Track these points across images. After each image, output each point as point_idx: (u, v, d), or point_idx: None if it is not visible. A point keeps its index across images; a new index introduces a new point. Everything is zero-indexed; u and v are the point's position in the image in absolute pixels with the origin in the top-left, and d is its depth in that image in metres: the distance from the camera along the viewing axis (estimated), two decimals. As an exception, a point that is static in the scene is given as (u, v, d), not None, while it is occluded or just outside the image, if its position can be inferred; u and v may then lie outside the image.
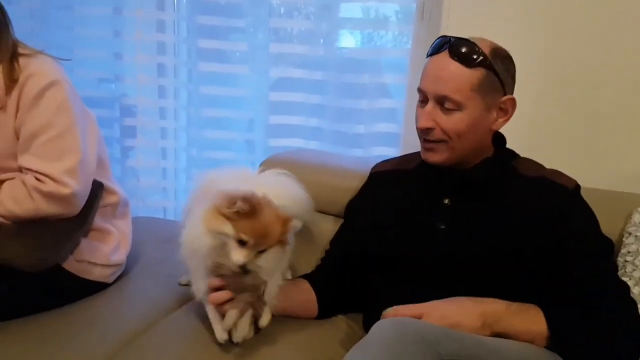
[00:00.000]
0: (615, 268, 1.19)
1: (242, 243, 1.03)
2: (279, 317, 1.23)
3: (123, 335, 1.27)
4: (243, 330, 1.12)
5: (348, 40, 2.13)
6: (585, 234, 1.13)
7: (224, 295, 1.08)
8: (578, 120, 1.65)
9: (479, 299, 1.05)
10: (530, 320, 1.04)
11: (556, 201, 1.14)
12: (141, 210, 2.28)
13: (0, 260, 1.21)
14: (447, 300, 1.06)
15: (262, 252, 1.05)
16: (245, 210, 1.01)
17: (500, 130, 1.23)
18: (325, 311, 1.32)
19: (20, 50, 1.30)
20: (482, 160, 1.21)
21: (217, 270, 1.09)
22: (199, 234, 1.06)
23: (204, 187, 1.24)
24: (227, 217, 1.02)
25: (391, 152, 1.90)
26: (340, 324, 1.33)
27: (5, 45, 1.28)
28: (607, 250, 1.16)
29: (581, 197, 1.18)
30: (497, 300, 1.05)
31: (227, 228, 1.02)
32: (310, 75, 2.02)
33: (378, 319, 0.99)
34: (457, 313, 1.02)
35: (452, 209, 1.20)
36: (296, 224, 1.12)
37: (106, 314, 1.36)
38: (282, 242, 1.08)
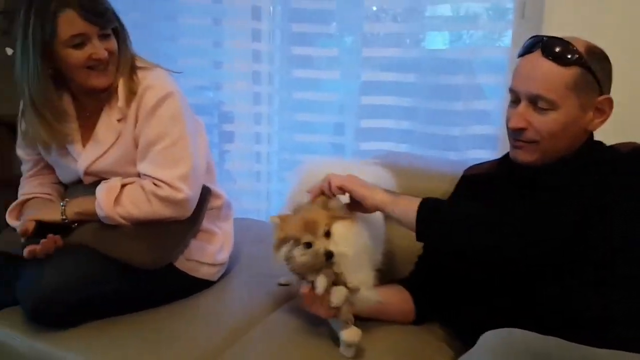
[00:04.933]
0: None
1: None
2: (374, 321, 1.26)
3: (228, 332, 1.34)
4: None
5: (437, 40, 2.10)
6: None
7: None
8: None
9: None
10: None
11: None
12: (236, 212, 2.37)
13: (120, 258, 1.32)
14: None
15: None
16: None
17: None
18: (422, 316, 1.32)
19: (138, 64, 1.40)
20: (559, 159, 1.17)
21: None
22: None
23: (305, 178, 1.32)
24: None
25: (488, 155, 1.85)
26: (437, 330, 1.32)
27: (125, 59, 1.38)
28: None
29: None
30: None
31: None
32: (402, 77, 2.01)
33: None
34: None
35: None
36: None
37: (212, 311, 1.44)
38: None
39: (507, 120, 1.18)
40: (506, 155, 1.26)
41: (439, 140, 1.98)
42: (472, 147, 1.94)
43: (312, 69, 2.17)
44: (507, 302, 1.14)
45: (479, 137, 1.94)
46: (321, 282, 1.12)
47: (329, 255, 1.10)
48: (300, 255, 1.11)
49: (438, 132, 1.98)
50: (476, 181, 1.36)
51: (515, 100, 1.17)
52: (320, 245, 1.10)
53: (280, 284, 1.50)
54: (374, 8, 2.09)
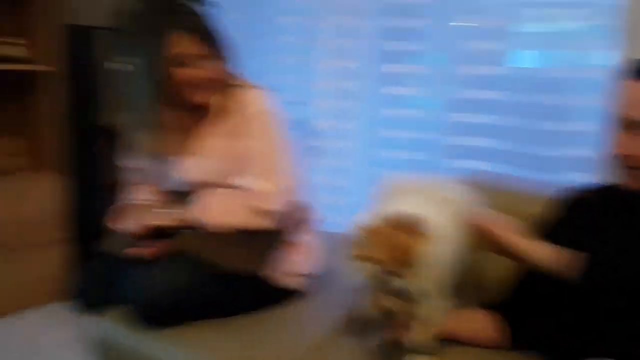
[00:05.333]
0: None
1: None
2: (464, 345, 1.26)
3: (311, 342, 1.36)
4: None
5: (528, 58, 2.04)
6: None
7: None
8: None
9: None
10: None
11: None
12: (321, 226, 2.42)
13: (217, 265, 1.39)
14: None
15: None
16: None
17: None
18: (519, 342, 1.28)
19: (238, 82, 1.48)
20: None
21: None
22: None
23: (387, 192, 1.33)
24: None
25: (582, 177, 1.77)
26: (530, 357, 1.27)
27: (227, 78, 1.47)
28: None
29: None
30: None
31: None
32: (492, 95, 1.98)
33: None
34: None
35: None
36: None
37: (296, 321, 1.47)
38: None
39: (616, 147, 1.13)
40: (609, 181, 1.22)
41: (530, 161, 1.92)
42: (566, 169, 1.86)
43: (400, 86, 2.18)
44: (570, 317, 1.13)
45: (572, 159, 1.86)
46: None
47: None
48: (387, 300, 1.12)
49: (530, 153, 1.92)
50: (578, 205, 1.32)
51: (628, 127, 1.11)
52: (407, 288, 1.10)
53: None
54: (464, 25, 2.07)
